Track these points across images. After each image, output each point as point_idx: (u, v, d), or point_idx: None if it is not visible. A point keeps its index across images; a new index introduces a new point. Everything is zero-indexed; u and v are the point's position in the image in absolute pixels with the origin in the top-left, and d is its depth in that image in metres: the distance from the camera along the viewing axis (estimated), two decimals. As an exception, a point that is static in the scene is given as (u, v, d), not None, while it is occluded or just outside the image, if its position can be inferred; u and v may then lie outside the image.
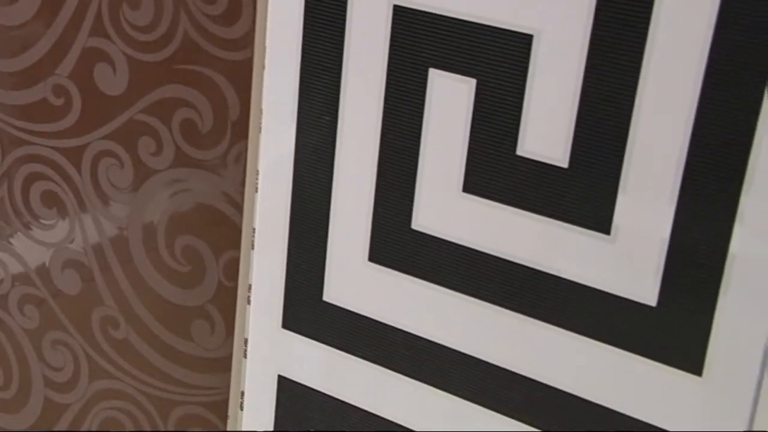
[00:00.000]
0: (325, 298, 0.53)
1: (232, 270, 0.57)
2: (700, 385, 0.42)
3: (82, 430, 0.64)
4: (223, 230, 0.56)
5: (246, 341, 0.56)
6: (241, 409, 0.59)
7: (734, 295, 0.41)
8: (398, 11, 0.46)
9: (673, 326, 0.42)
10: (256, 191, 0.53)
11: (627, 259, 0.43)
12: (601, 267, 0.44)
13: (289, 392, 0.55)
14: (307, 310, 0.53)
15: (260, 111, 0.51)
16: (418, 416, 0.51)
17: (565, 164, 0.44)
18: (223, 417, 0.59)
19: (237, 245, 0.55)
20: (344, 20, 0.48)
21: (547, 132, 0.44)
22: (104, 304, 0.61)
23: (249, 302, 0.55)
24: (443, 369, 0.49)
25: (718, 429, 0.42)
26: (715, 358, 0.42)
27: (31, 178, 0.62)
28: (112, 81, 0.56)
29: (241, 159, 0.55)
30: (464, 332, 0.48)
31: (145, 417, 0.61)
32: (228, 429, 0.59)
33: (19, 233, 0.63)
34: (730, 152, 0.40)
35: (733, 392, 0.41)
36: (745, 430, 0.41)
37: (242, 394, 0.57)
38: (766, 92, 0.39)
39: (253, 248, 0.54)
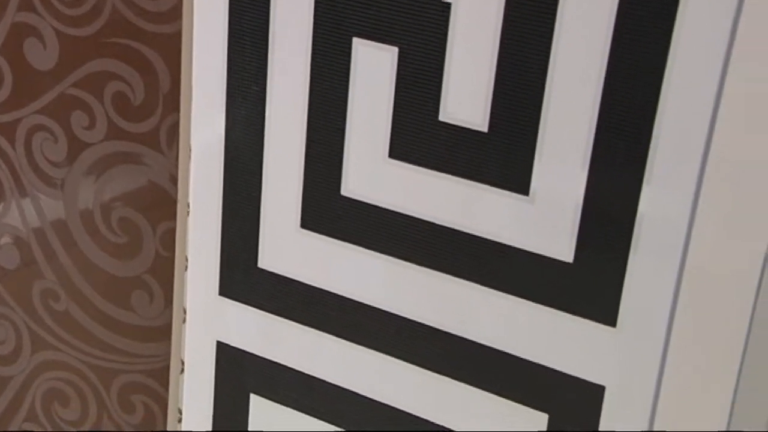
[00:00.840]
0: (260, 264, 0.53)
1: (169, 240, 0.57)
2: (615, 336, 0.44)
3: (25, 401, 0.64)
4: (159, 201, 0.56)
5: (185, 309, 0.56)
6: (182, 378, 0.59)
7: (644, 251, 0.42)
8: (321, -18, 0.47)
9: (589, 281, 0.44)
10: (190, 162, 0.54)
11: (544, 218, 0.44)
12: (520, 226, 0.45)
13: (228, 357, 0.56)
14: (243, 277, 0.54)
15: (191, 83, 0.52)
16: (350, 375, 0.52)
17: (485, 129, 0.45)
18: (165, 384, 0.59)
19: (173, 216, 0.55)
20: (269, -8, 0.48)
21: (467, 98, 0.45)
22: (44, 277, 0.61)
23: (186, 271, 0.55)
24: (373, 329, 0.50)
25: (631, 376, 0.44)
26: (627, 310, 0.43)
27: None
28: (42, 55, 0.56)
29: (174, 131, 0.55)
30: (391, 293, 0.49)
31: (88, 387, 0.62)
32: (170, 396, 0.60)
33: (-44, 209, 0.63)
34: (638, 115, 0.41)
35: (645, 342, 0.43)
36: (656, 375, 0.43)
37: (182, 362, 0.57)
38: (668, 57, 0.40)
39: (188, 218, 0.54)
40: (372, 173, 0.49)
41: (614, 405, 0.44)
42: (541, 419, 0.46)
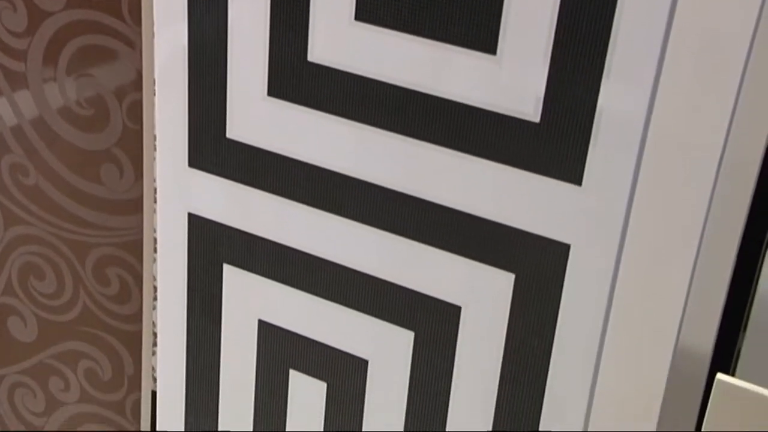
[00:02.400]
0: (228, 135, 0.52)
1: (136, 113, 0.56)
2: (580, 194, 0.43)
3: (2, 276, 0.63)
4: (123, 73, 0.55)
5: (155, 182, 0.56)
6: (155, 251, 0.59)
7: (609, 111, 0.41)
8: None
9: (555, 141, 0.43)
10: (153, 32, 0.52)
11: (512, 78, 0.43)
12: (488, 88, 0.44)
13: (200, 228, 0.55)
14: (212, 148, 0.53)
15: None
16: (320, 243, 0.51)
17: (451, -12, 0.43)
18: (139, 256, 0.59)
19: (139, 88, 0.54)
20: None
21: (433, -44, 0.43)
22: (11, 151, 0.60)
23: (155, 142, 0.54)
24: (342, 196, 0.50)
25: (596, 235, 0.44)
26: (593, 169, 0.43)
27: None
28: None
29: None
30: (360, 159, 0.48)
31: (63, 260, 0.61)
32: (144, 270, 0.59)
33: None
34: (598, 14, 0.40)
35: (610, 200, 0.43)
36: (620, 233, 0.43)
37: (155, 239, 0.57)
38: None
39: (155, 90, 0.53)
40: (338, 37, 0.47)
41: (579, 263, 0.44)
42: (508, 279, 0.46)
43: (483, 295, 0.48)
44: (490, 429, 0.49)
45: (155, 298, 0.61)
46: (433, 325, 0.50)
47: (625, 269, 0.44)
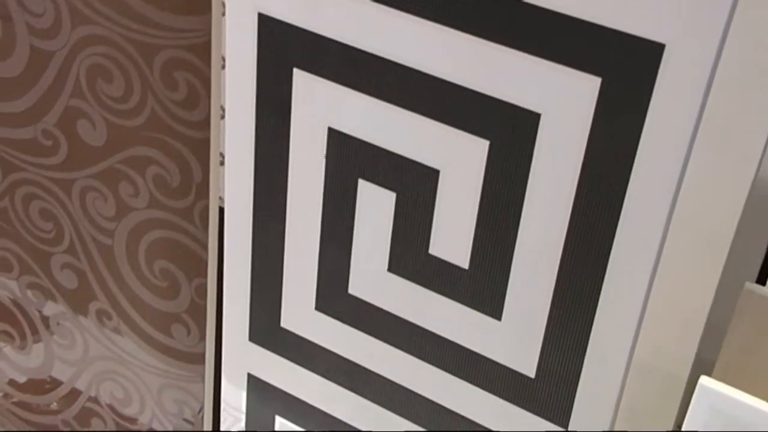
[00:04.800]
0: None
1: None
2: (681, -10, 0.39)
3: (70, 77, 0.62)
4: None
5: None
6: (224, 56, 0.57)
7: None
8: None
9: None
10: None
11: None
12: None
13: (269, 30, 0.52)
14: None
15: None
16: (391, 44, 0.48)
17: None
18: (207, 60, 0.57)
19: None
20: None
21: None
22: None
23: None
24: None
25: (693, 32, 0.40)
26: None
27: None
28: None
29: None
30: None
31: (131, 63, 0.59)
32: (212, 75, 0.57)
33: None
34: None
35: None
36: (721, 34, 0.39)
37: (224, 42, 0.54)
38: None
39: None
40: None
41: (673, 64, 0.41)
42: (593, 83, 0.43)
43: (564, 102, 0.44)
44: (563, 241, 0.47)
45: (223, 104, 0.59)
46: (509, 133, 0.47)
47: (721, 76, 0.40)
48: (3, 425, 0.83)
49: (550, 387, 0.51)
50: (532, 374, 0.52)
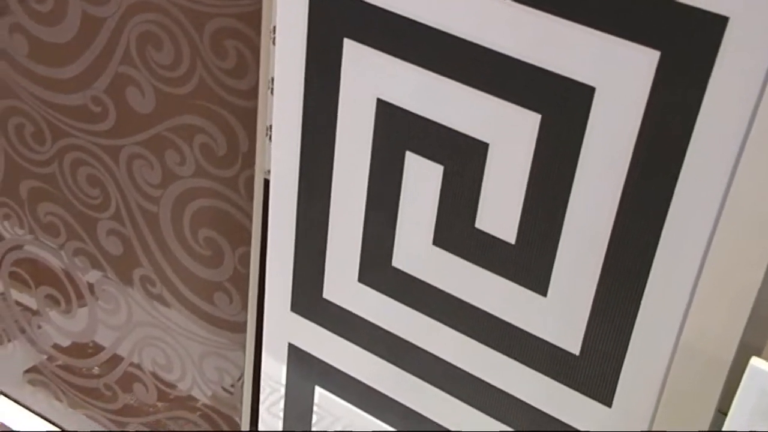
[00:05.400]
0: None
1: None
2: None
3: (120, 44, 0.62)
4: None
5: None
6: (274, 26, 0.56)
7: None
8: None
9: None
10: None
11: None
12: None
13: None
14: None
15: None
16: (443, 14, 0.47)
17: None
18: (257, 29, 0.56)
19: None
20: None
21: None
22: None
23: None
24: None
25: (758, 6, 0.38)
26: None
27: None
28: None
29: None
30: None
31: (181, 30, 0.59)
32: (262, 45, 0.57)
33: None
34: None
35: None
36: None
37: (275, 11, 0.54)
38: None
39: None
40: None
41: (735, 38, 0.39)
42: (651, 57, 0.42)
43: (620, 76, 0.43)
44: (614, 218, 0.47)
45: (272, 73, 0.58)
46: (562, 107, 0.46)
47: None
48: (47, 387, 0.84)
49: (595, 365, 0.50)
50: (576, 351, 0.51)
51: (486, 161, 0.50)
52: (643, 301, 0.47)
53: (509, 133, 0.49)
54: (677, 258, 0.45)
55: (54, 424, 0.85)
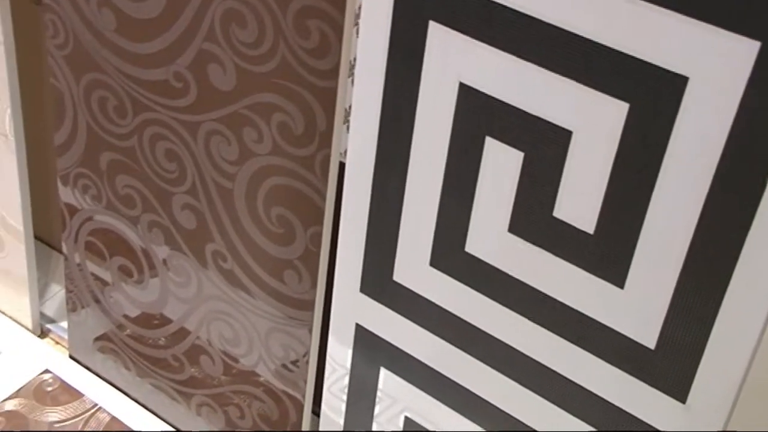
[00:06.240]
0: None
1: None
2: None
3: (205, 21, 0.62)
4: None
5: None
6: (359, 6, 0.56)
7: None
8: None
9: None
10: None
11: None
12: None
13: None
14: None
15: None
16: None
17: None
18: (342, 8, 0.56)
19: None
20: None
21: None
22: None
23: None
24: None
25: None
26: None
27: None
28: None
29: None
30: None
31: (265, 8, 0.59)
32: (345, 24, 0.56)
33: None
34: None
35: None
36: None
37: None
38: None
39: None
40: None
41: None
42: (750, 48, 0.41)
43: (715, 66, 0.42)
44: (700, 211, 0.45)
45: (354, 54, 0.58)
46: (652, 96, 0.45)
47: None
48: (117, 355, 0.85)
49: (671, 360, 0.49)
50: (652, 345, 0.50)
51: (568, 149, 0.49)
52: (726, 296, 0.46)
53: (594, 121, 0.47)
54: (766, 252, 0.44)
55: (121, 390, 0.87)
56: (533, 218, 0.52)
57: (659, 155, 0.46)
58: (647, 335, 0.50)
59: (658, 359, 0.50)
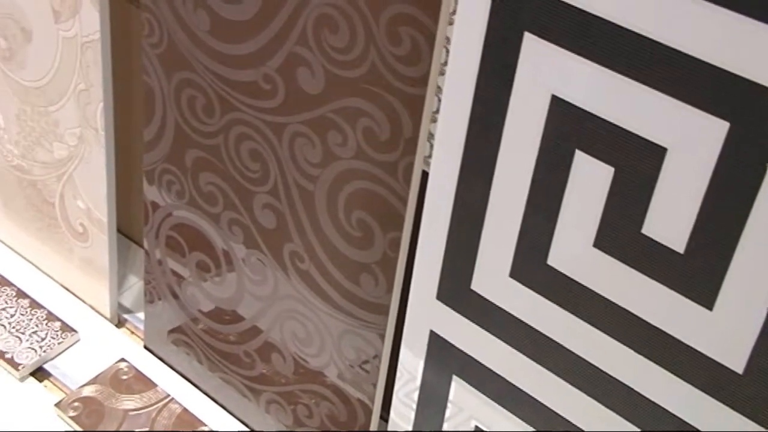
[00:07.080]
0: None
1: None
2: None
3: (298, 24, 0.62)
4: None
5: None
6: (454, 12, 0.55)
7: None
8: None
9: None
10: None
11: None
12: None
13: (505, -10, 0.50)
14: None
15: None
16: (628, 12, 0.45)
17: None
18: (435, 17, 0.55)
19: None
20: None
21: None
22: None
23: None
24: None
25: None
26: None
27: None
28: None
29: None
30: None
31: (358, 14, 0.59)
32: (438, 33, 0.56)
33: None
34: None
35: None
36: None
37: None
38: None
39: None
40: None
41: None
42: None
43: (826, 88, 0.40)
44: (801, 236, 0.43)
45: (445, 63, 0.57)
46: (757, 116, 0.43)
47: None
48: (190, 348, 0.86)
49: (759, 385, 0.47)
50: (740, 370, 0.48)
51: (662, 166, 0.48)
52: (823, 325, 0.44)
53: (691, 139, 0.46)
54: None
55: (193, 383, 0.87)
56: (620, 234, 0.51)
57: (759, 177, 0.44)
58: (735, 359, 0.48)
59: (745, 384, 0.48)
